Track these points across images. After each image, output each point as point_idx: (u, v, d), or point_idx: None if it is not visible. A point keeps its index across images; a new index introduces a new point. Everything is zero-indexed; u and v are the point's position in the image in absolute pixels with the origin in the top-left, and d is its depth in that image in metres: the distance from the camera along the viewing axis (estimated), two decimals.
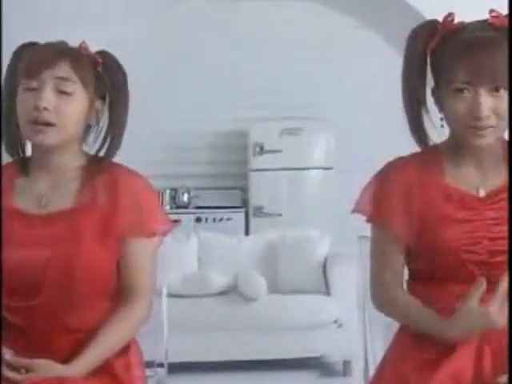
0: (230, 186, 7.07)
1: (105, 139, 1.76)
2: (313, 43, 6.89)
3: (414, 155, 1.79)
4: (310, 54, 6.91)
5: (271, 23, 6.93)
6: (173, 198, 6.95)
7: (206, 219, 6.76)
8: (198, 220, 6.75)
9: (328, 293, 4.87)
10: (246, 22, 6.92)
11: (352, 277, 4.65)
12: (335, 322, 4.76)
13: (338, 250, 5.12)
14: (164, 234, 1.79)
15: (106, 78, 1.76)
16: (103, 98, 1.77)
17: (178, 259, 5.00)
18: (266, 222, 6.56)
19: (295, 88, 6.95)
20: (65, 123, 1.68)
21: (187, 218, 6.69)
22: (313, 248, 5.06)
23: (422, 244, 1.72)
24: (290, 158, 6.72)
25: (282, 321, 4.72)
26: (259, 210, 6.73)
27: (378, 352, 2.14)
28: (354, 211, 1.83)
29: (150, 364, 2.53)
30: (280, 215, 6.68)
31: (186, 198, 6.96)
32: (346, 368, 4.80)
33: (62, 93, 1.67)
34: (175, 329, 4.44)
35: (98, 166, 1.76)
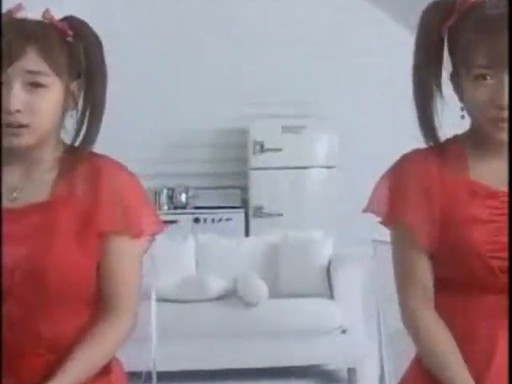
0: (229, 186, 7.01)
1: (81, 124, 1.55)
2: (314, 40, 6.87)
3: (432, 147, 1.59)
4: (312, 51, 6.89)
5: (272, 20, 6.92)
6: (170, 198, 6.86)
7: (205, 220, 6.67)
8: (197, 221, 6.65)
9: (332, 297, 4.78)
10: (246, 18, 6.91)
11: (356, 280, 4.71)
12: (339, 327, 4.66)
13: (342, 251, 5.04)
14: (153, 234, 1.59)
15: (78, 49, 1.54)
16: (78, 76, 1.56)
17: (175, 262, 4.93)
18: (266, 223, 6.50)
19: (296, 85, 6.93)
20: (40, 121, 1.48)
21: (185, 219, 6.62)
22: (316, 250, 4.98)
23: (445, 248, 1.53)
24: (291, 156, 6.65)
25: (283, 327, 4.62)
26: (259, 210, 6.66)
27: (384, 359, 1.99)
28: (365, 211, 1.64)
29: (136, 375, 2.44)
30: (281, 215, 6.61)
31: (183, 197, 6.87)
32: (351, 376, 4.71)
33: (33, 86, 1.47)
34: (171, 336, 4.45)
35: (77, 156, 1.55)
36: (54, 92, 1.49)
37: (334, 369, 4.87)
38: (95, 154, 1.58)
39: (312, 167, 6.70)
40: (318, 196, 6.63)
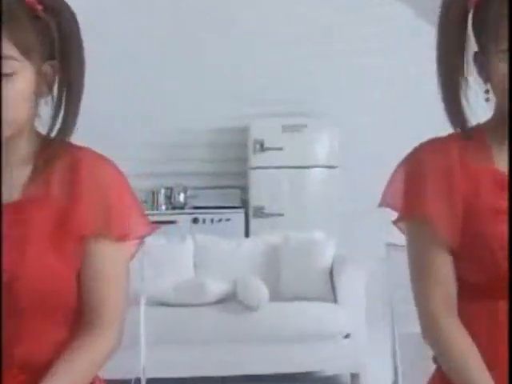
0: (228, 185, 6.96)
1: (57, 111, 1.37)
2: (314, 39, 6.87)
3: (452, 135, 1.48)
4: (312, 50, 6.89)
5: (272, 20, 6.91)
6: (168, 198, 6.80)
7: (204, 220, 6.61)
8: (195, 221, 6.59)
9: (335, 300, 4.71)
10: (246, 18, 6.89)
11: (360, 282, 4.67)
12: (343, 332, 4.60)
13: (346, 253, 5.01)
14: (140, 237, 1.41)
15: (50, 26, 1.35)
16: (51, 57, 1.37)
17: (172, 264, 4.87)
18: (266, 223, 6.46)
19: (297, 83, 6.91)
20: (11, 113, 1.30)
21: (183, 219, 6.57)
22: (318, 251, 4.92)
23: (467, 242, 1.40)
24: (292, 155, 6.60)
25: (284, 331, 4.54)
26: (260, 211, 6.60)
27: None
28: (381, 205, 1.52)
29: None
30: (282, 215, 6.55)
31: (182, 197, 6.80)
32: (354, 381, 4.66)
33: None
34: (168, 341, 4.33)
35: (54, 148, 1.37)
36: (24, 78, 1.31)
37: (337, 374, 4.79)
38: (75, 147, 1.40)
39: (313, 167, 6.66)
40: (320, 196, 6.58)
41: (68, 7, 1.38)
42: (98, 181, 1.36)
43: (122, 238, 1.36)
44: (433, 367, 1.49)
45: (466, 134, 1.46)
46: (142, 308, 2.12)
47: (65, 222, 1.32)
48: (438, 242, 1.42)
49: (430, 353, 1.47)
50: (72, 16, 1.38)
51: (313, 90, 6.89)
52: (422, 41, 6.76)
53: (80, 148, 1.40)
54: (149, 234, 1.41)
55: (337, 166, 6.58)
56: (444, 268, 1.43)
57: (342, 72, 6.84)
